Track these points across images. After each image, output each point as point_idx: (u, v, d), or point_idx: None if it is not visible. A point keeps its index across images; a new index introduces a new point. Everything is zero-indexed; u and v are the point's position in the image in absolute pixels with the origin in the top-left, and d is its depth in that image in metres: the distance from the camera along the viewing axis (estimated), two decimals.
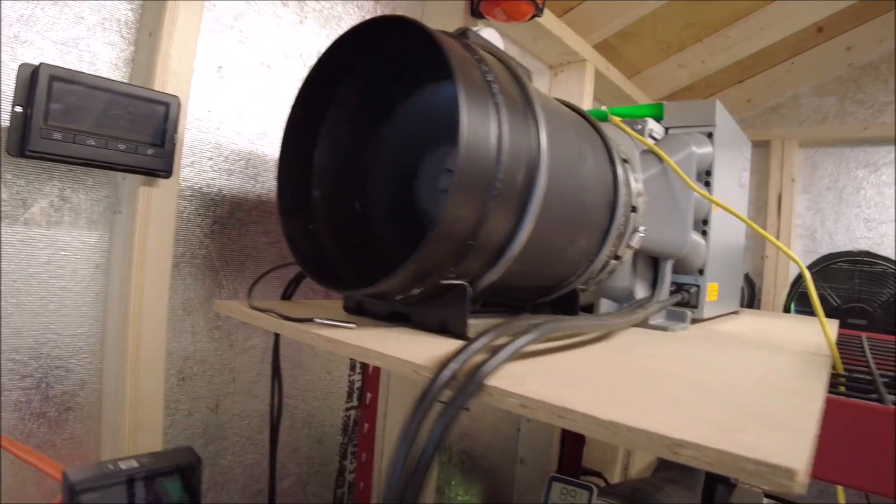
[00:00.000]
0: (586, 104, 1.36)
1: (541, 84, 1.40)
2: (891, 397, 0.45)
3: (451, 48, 0.42)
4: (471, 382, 0.32)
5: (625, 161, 0.69)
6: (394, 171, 0.61)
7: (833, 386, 0.54)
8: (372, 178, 0.61)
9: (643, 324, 0.72)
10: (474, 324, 0.51)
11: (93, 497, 0.47)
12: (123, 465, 0.51)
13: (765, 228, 1.91)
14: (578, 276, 0.63)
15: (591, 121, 0.64)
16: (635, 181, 0.70)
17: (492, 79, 0.44)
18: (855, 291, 1.76)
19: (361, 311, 0.57)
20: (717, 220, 0.85)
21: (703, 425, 0.27)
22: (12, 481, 0.63)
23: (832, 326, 1.06)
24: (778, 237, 1.86)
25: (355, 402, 0.98)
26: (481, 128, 0.41)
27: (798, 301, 1.87)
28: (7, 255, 0.62)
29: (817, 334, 0.82)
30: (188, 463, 0.54)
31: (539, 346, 0.46)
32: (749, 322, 0.95)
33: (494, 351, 0.34)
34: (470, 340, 0.36)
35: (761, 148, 1.95)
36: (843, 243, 1.83)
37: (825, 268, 1.82)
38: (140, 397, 0.64)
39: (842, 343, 0.91)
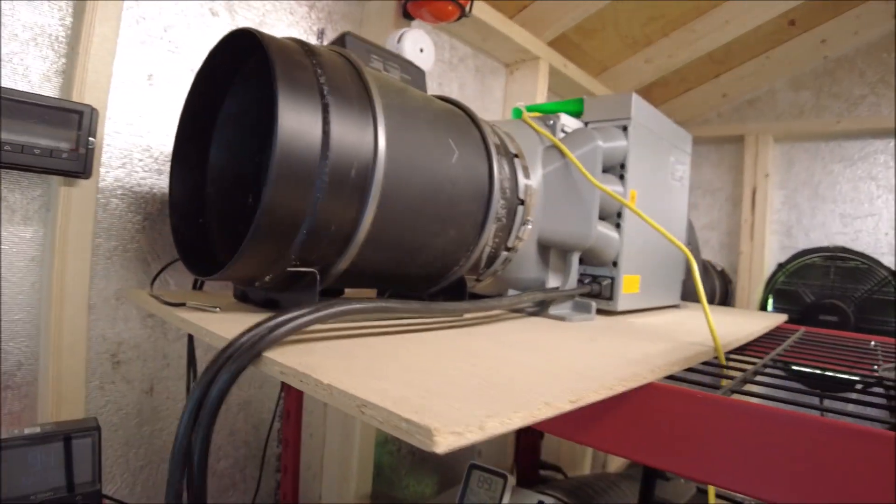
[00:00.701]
0: (540, 100, 1.39)
1: (497, 83, 1.44)
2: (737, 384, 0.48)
3: (280, 56, 0.47)
4: (247, 352, 0.37)
5: (515, 155, 0.73)
6: None
7: (696, 372, 0.56)
8: (265, 172, 0.67)
9: (544, 314, 0.76)
10: None
11: None
12: (28, 431, 0.57)
13: (739, 224, 1.91)
14: (461, 266, 0.67)
15: (473, 117, 0.68)
16: (524, 175, 0.73)
17: (324, 81, 0.49)
18: (828, 288, 1.76)
19: (245, 299, 0.63)
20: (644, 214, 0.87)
21: (410, 393, 0.31)
22: None
23: (778, 320, 1.08)
24: (752, 233, 1.87)
25: None
26: (303, 125, 0.46)
27: (777, 298, 1.87)
28: None
29: (742, 328, 0.83)
30: (87, 429, 0.60)
31: (384, 328, 0.51)
32: (676, 315, 0.96)
33: (280, 323, 0.39)
34: (274, 315, 0.41)
35: (737, 144, 1.96)
36: (819, 239, 1.83)
37: (800, 264, 1.82)
38: (62, 375, 0.70)
39: (771, 336, 0.93)
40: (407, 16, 0.99)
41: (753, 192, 1.88)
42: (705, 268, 1.81)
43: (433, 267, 0.64)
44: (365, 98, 0.52)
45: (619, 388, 0.40)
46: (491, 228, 0.66)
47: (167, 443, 0.89)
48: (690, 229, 1.38)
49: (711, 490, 0.85)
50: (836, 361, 0.71)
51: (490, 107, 1.43)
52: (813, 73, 1.86)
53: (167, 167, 0.85)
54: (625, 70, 1.71)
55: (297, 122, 0.46)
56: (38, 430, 0.59)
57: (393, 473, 1.25)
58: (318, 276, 0.52)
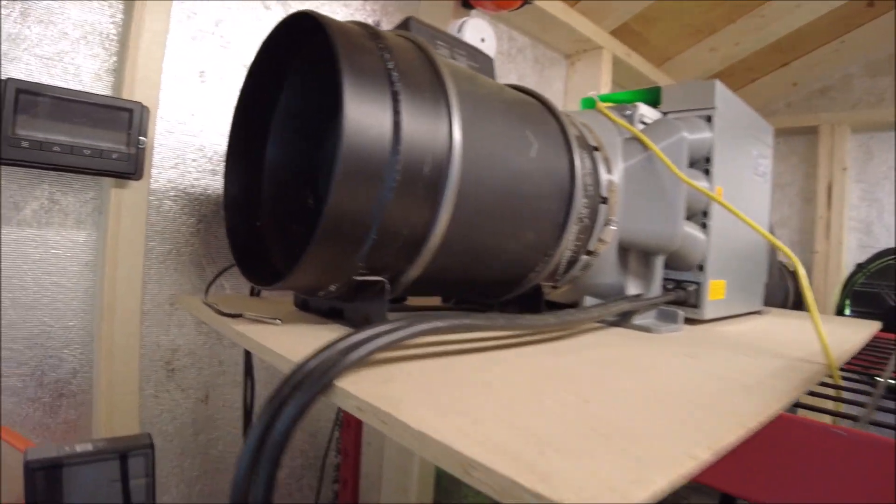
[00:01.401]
0: (604, 91, 1.31)
1: (557, 74, 1.37)
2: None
3: (343, 39, 0.41)
4: (317, 380, 0.32)
5: (595, 148, 0.67)
6: None
7: (816, 395, 0.49)
8: (324, 172, 0.62)
9: (628, 324, 0.69)
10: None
11: (42, 475, 0.50)
12: (79, 448, 0.54)
13: (813, 221, 1.78)
14: (538, 272, 0.61)
15: (550, 106, 0.62)
16: (606, 171, 0.67)
17: (392, 67, 0.43)
18: None
19: (307, 308, 0.58)
20: (723, 210, 0.79)
21: (521, 444, 0.25)
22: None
23: (873, 328, 0.98)
24: (828, 231, 1.73)
25: None
26: (371, 116, 0.40)
27: (855, 301, 1.73)
28: (3, 255, 0.67)
29: (845, 339, 0.75)
30: (141, 447, 0.56)
31: (464, 345, 0.45)
32: (764, 324, 0.87)
33: (354, 346, 0.34)
34: (348, 335, 0.36)
35: (808, 135, 1.82)
36: None
37: (882, 264, 1.67)
38: (115, 385, 0.67)
39: (872, 347, 0.84)
40: (466, 5, 0.93)
41: (829, 187, 1.74)
42: (778, 268, 1.70)
43: (508, 273, 0.58)
44: (437, 85, 0.46)
45: (754, 425, 0.33)
46: (572, 230, 0.59)
47: (223, 452, 0.85)
48: (771, 228, 1.28)
49: None
50: None
51: (551, 98, 1.35)
52: (892, 57, 1.71)
53: (221, 167, 0.82)
54: (688, 59, 1.61)
55: (364, 113, 0.40)
56: (90, 446, 0.56)
57: (452, 484, 1.19)
58: (388, 286, 0.47)
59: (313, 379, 0.32)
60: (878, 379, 0.57)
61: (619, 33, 1.39)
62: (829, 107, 1.81)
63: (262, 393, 0.89)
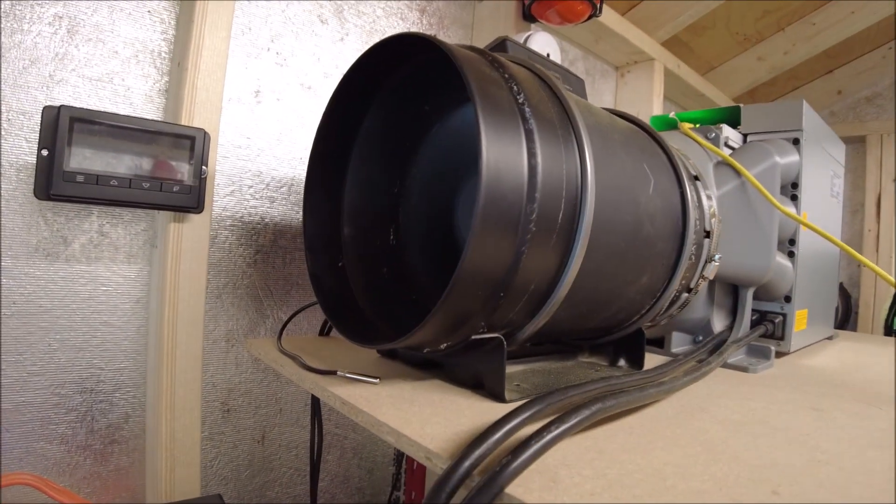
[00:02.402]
0: (656, 106, 1.26)
1: (606, 87, 1.31)
2: None
3: (471, 68, 0.36)
4: (487, 489, 0.26)
5: (696, 178, 0.61)
6: (430, 201, 0.56)
7: None
8: (406, 207, 0.57)
9: (720, 363, 0.63)
10: (517, 372, 0.45)
11: None
12: None
13: (859, 234, 1.72)
14: (643, 315, 0.55)
15: (654, 134, 0.57)
16: (708, 200, 0.61)
17: (523, 100, 0.38)
18: None
19: (394, 356, 0.53)
20: (807, 237, 0.74)
21: None
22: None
23: None
24: (878, 243, 1.67)
25: None
26: (508, 160, 0.35)
27: None
28: (50, 292, 0.62)
29: None
30: None
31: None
32: (844, 352, 0.82)
33: (522, 445, 0.28)
34: (497, 424, 0.30)
35: (855, 144, 1.76)
36: None
37: None
38: (176, 435, 0.62)
39: None
40: (528, 17, 0.88)
41: (878, 199, 1.68)
42: None
43: (616, 319, 0.52)
44: (566, 120, 0.41)
45: None
46: (682, 270, 0.54)
47: (279, 494, 0.80)
48: None
49: None
50: None
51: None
52: None
53: (279, 194, 0.77)
54: (734, 69, 1.55)
55: (501, 156, 0.35)
56: None
57: None
58: (505, 343, 0.41)
59: (480, 488, 0.26)
60: None
61: (668, 44, 1.33)
62: (877, 115, 1.75)
63: (336, 430, 0.84)
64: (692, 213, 0.54)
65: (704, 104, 1.57)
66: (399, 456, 0.91)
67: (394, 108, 0.54)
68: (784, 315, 0.73)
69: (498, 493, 0.27)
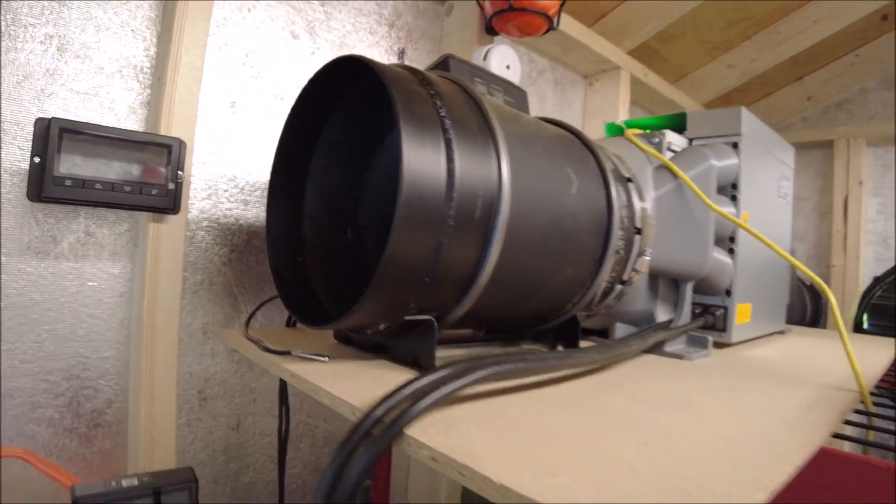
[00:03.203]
0: (622, 112, 1.32)
1: (576, 95, 1.38)
2: None
3: (398, 86, 0.42)
4: (388, 430, 0.32)
5: (628, 180, 0.67)
6: (383, 203, 0.61)
7: (852, 425, 0.50)
8: (363, 208, 0.63)
9: (659, 351, 0.69)
10: (459, 354, 0.51)
11: None
12: (125, 483, 0.55)
13: (828, 235, 1.78)
14: (575, 304, 0.61)
15: (584, 140, 0.62)
16: (640, 201, 0.67)
17: (445, 113, 0.44)
18: None
19: (348, 342, 0.58)
20: (749, 235, 0.79)
21: (601, 497, 0.26)
22: (43, 481, 0.68)
23: (888, 348, 0.98)
24: (845, 245, 1.73)
25: None
26: (427, 165, 0.41)
27: (873, 314, 1.72)
28: (40, 287, 0.68)
29: (871, 361, 0.75)
30: (185, 481, 0.57)
31: (511, 383, 0.45)
32: (789, 345, 0.88)
33: (422, 396, 0.34)
34: (409, 383, 0.36)
35: (824, 149, 1.82)
36: None
37: None
38: (154, 417, 0.68)
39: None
40: (490, 31, 0.94)
41: (845, 201, 1.74)
42: (797, 285, 1.69)
43: (547, 306, 0.58)
44: (486, 129, 0.47)
45: (801, 462, 0.34)
46: (609, 263, 0.60)
47: (253, 480, 0.86)
48: (791, 248, 1.27)
49: None
50: None
51: (570, 120, 1.36)
52: None
53: (253, 197, 0.83)
54: (705, 76, 1.62)
55: (421, 161, 0.41)
56: (135, 481, 0.56)
57: None
58: (436, 324, 0.47)
59: (384, 428, 0.32)
60: None
61: (637, 52, 1.40)
62: (846, 120, 1.81)
63: (294, 419, 0.89)
64: (618, 212, 0.60)
65: (674, 110, 1.64)
66: None
67: (349, 120, 0.60)
68: (725, 308, 0.79)
69: (398, 433, 0.32)
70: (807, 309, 1.68)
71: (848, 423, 0.51)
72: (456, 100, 0.47)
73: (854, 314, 1.73)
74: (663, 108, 1.63)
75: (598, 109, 1.33)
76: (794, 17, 1.46)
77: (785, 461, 0.33)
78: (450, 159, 0.42)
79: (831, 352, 0.83)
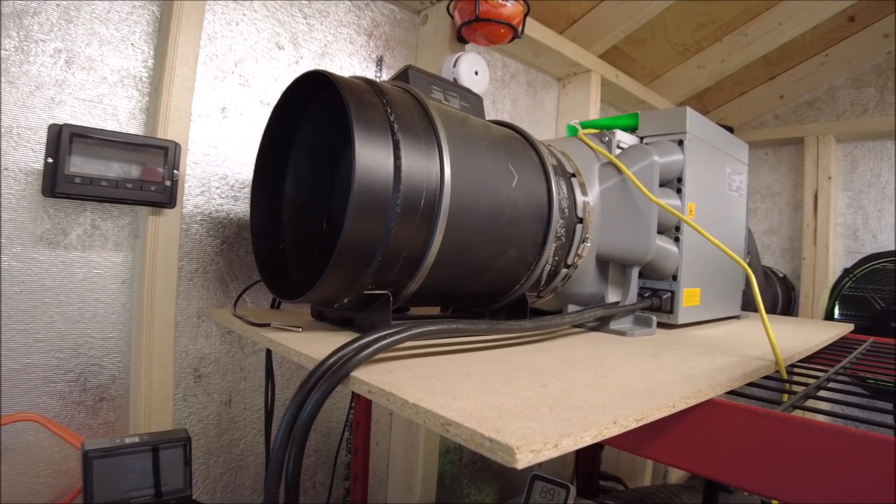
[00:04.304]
0: (592, 113, 1.40)
1: (549, 97, 1.46)
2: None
3: (352, 95, 0.50)
4: (336, 372, 0.40)
5: (572, 175, 0.75)
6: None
7: (757, 387, 0.57)
8: (336, 199, 0.71)
9: (605, 329, 0.77)
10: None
11: (101, 462, 0.59)
12: (128, 440, 0.63)
13: (800, 229, 1.85)
14: (523, 284, 0.69)
15: (530, 140, 0.71)
16: (583, 195, 0.75)
17: (394, 119, 0.52)
18: None
19: (322, 317, 0.67)
20: (700, 225, 0.86)
21: (489, 413, 0.33)
22: (51, 442, 0.77)
23: (843, 329, 1.05)
24: (816, 238, 1.81)
25: None
26: (377, 161, 0.49)
27: (844, 305, 1.80)
28: (51, 274, 0.76)
29: (805, 339, 0.82)
30: (179, 439, 0.65)
31: (453, 346, 0.54)
32: (738, 327, 0.95)
33: (365, 346, 0.42)
34: (359, 337, 0.44)
35: (796, 146, 1.90)
36: (888, 242, 1.75)
37: (868, 269, 1.74)
38: (153, 388, 0.76)
39: (834, 347, 0.91)
40: (461, 40, 1.02)
41: (815, 196, 1.82)
42: (766, 275, 1.77)
43: (496, 285, 0.66)
44: (431, 132, 0.55)
45: (682, 406, 0.42)
46: (551, 247, 0.68)
47: (244, 451, 0.94)
48: (750, 238, 1.35)
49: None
50: None
51: (543, 120, 1.45)
52: (876, 69, 1.79)
53: (242, 194, 0.91)
54: (677, 77, 1.70)
55: (371, 159, 0.49)
56: (136, 439, 0.65)
57: (455, 483, 1.27)
58: (391, 298, 0.55)
59: (334, 371, 0.41)
60: (821, 374, 0.65)
61: (609, 55, 1.48)
62: (816, 118, 1.89)
63: (280, 396, 0.98)
64: (558, 202, 0.68)
65: (647, 110, 1.72)
66: (348, 420, 1.05)
67: (323, 123, 0.68)
68: (672, 292, 0.86)
69: (345, 375, 0.41)
70: (778, 300, 1.76)
71: (763, 387, 0.58)
72: (405, 106, 0.55)
73: (825, 304, 1.81)
74: (637, 108, 1.71)
75: (571, 110, 1.41)
76: (760, 19, 1.54)
77: (662, 403, 0.40)
78: (397, 157, 0.51)
79: (775, 334, 0.90)
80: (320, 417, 1.04)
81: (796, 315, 1.84)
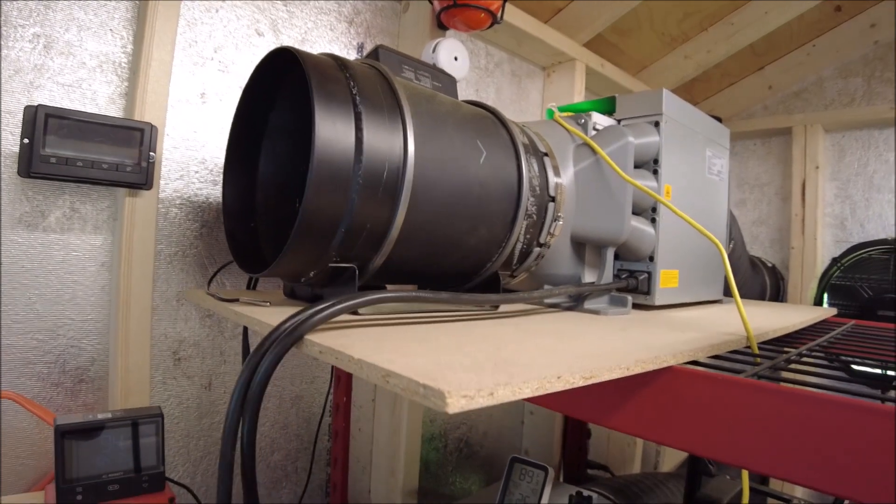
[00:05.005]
0: (577, 101, 1.41)
1: (533, 85, 1.47)
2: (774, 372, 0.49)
3: (315, 70, 0.51)
4: (290, 335, 0.41)
5: (545, 154, 0.76)
6: None
7: (723, 359, 0.57)
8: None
9: (580, 308, 0.78)
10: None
11: (73, 437, 0.60)
12: (101, 416, 0.64)
13: (789, 219, 1.86)
14: (494, 262, 0.70)
15: (501, 119, 0.71)
16: (555, 174, 0.76)
17: (356, 92, 0.53)
18: (888, 282, 1.68)
19: (294, 296, 0.67)
20: (678, 207, 0.86)
21: (431, 367, 0.34)
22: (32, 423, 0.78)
23: (824, 313, 1.06)
24: (804, 227, 1.81)
25: None
26: (338, 133, 0.50)
27: (833, 294, 1.81)
28: (30, 256, 0.77)
29: (784, 320, 0.82)
30: (153, 416, 0.66)
31: (419, 318, 0.54)
32: (717, 310, 0.95)
33: (319, 311, 0.43)
34: (316, 304, 0.45)
35: (785, 136, 1.90)
36: (876, 231, 1.75)
37: (856, 258, 1.75)
38: (130, 369, 0.77)
39: (813, 329, 0.92)
40: (441, 26, 1.03)
41: (803, 186, 1.82)
42: (754, 264, 1.77)
43: (467, 263, 0.67)
44: (395, 106, 0.56)
45: (637, 369, 0.42)
46: (521, 225, 0.68)
47: None
48: (733, 223, 1.36)
49: (745, 481, 0.84)
50: (887, 354, 0.68)
51: (527, 109, 1.45)
52: (863, 59, 1.80)
53: (221, 178, 0.92)
54: (663, 67, 1.70)
55: (332, 131, 0.50)
56: (109, 415, 0.65)
57: (439, 470, 1.28)
58: (357, 272, 0.56)
59: (287, 334, 0.41)
60: (791, 350, 0.65)
61: (594, 45, 1.48)
62: (804, 108, 1.90)
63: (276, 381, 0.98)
64: (528, 180, 0.68)
65: None
66: (327, 404, 1.06)
67: (295, 105, 0.69)
68: (649, 273, 0.87)
69: (298, 338, 0.41)
70: (767, 287, 1.77)
71: (734, 360, 0.58)
72: (369, 81, 0.56)
73: (814, 293, 1.82)
74: None
75: (555, 99, 1.42)
76: (746, 8, 1.54)
77: (615, 364, 0.40)
78: (358, 129, 0.51)
79: (753, 317, 0.90)
80: (301, 402, 1.05)
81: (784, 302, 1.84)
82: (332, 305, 0.44)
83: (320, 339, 0.41)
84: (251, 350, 0.85)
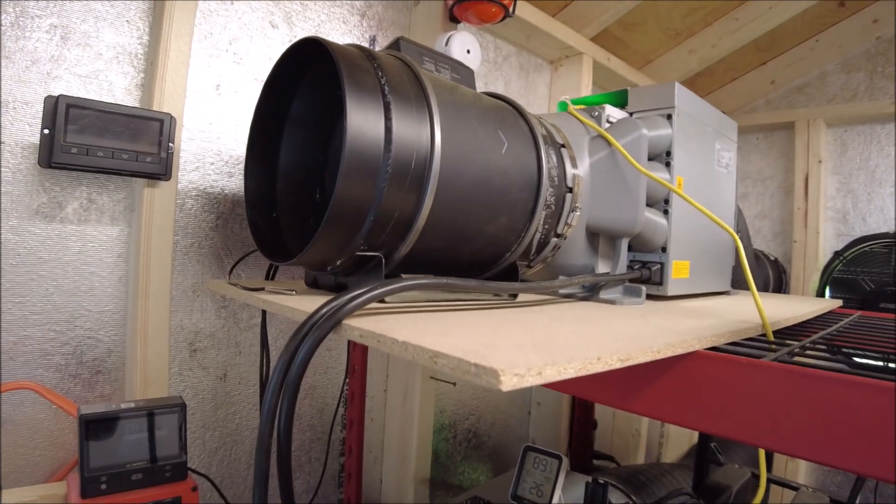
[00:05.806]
0: (585, 94, 1.41)
1: (541, 79, 1.47)
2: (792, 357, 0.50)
3: (345, 60, 0.51)
4: (329, 320, 0.42)
5: (562, 146, 0.76)
6: None
7: (742, 346, 0.58)
8: (330, 169, 0.72)
9: (596, 298, 0.78)
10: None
11: (96, 427, 0.60)
12: (123, 406, 0.64)
13: (792, 213, 1.87)
14: (513, 252, 0.71)
15: (521, 110, 0.72)
16: (572, 166, 0.76)
17: (385, 82, 0.53)
18: (890, 275, 1.70)
19: (316, 285, 0.68)
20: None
21: (476, 347, 0.34)
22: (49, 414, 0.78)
23: (831, 304, 1.07)
24: (806, 221, 1.82)
25: None
26: (369, 123, 0.50)
27: (835, 287, 1.82)
28: (48, 247, 0.77)
29: (793, 311, 0.83)
30: (175, 405, 0.67)
31: (449, 305, 0.55)
32: (728, 301, 0.96)
33: (355, 297, 0.44)
34: (349, 290, 0.46)
35: (787, 130, 1.92)
36: (877, 225, 1.77)
37: (858, 251, 1.77)
38: (149, 359, 0.77)
39: (821, 319, 0.93)
40: (453, 19, 1.03)
41: (806, 179, 1.84)
42: (757, 257, 1.79)
43: (487, 252, 0.67)
44: (421, 97, 0.56)
45: (667, 353, 0.43)
46: (541, 215, 0.69)
47: (240, 426, 0.95)
48: (739, 216, 1.36)
49: (763, 472, 0.85)
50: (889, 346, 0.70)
51: (535, 102, 1.46)
52: (865, 54, 1.81)
53: (237, 170, 0.92)
54: (668, 62, 1.71)
55: (363, 121, 0.50)
56: (132, 405, 0.66)
57: (449, 460, 1.29)
58: (384, 260, 0.57)
59: (326, 318, 0.42)
60: (804, 338, 0.66)
61: (601, 39, 1.49)
62: (806, 103, 1.91)
63: None
64: (547, 170, 0.69)
65: None
66: (342, 394, 1.07)
67: (316, 94, 0.69)
68: (661, 264, 0.88)
69: (337, 322, 0.42)
70: (769, 280, 1.78)
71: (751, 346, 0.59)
72: (396, 72, 0.56)
73: (816, 286, 1.83)
74: None
75: (563, 92, 1.42)
76: (750, 3, 1.55)
77: (646, 346, 0.41)
78: (388, 118, 0.52)
79: (764, 307, 0.91)
80: (315, 392, 1.06)
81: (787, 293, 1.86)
82: (370, 290, 0.44)
83: (358, 323, 0.42)
84: (268, 342, 0.86)
